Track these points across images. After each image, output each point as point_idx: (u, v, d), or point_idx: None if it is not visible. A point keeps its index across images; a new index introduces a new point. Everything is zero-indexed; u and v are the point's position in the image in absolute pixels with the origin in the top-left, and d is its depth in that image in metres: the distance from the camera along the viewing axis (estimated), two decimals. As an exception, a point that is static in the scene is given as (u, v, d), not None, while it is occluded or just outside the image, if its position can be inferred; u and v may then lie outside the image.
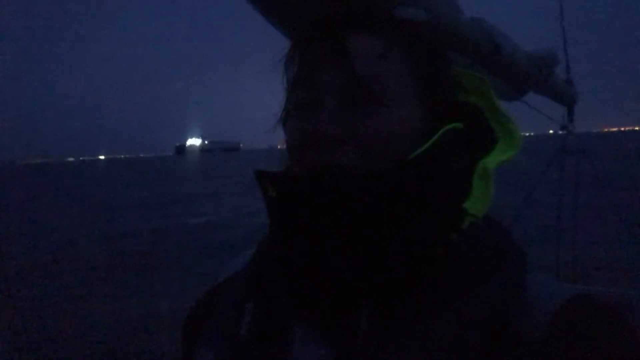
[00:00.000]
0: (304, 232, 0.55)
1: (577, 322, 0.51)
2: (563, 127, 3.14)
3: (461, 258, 0.55)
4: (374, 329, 0.54)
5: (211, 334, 0.66)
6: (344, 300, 0.56)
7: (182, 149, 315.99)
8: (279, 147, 0.65)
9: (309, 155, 0.57)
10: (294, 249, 0.57)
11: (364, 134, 0.55)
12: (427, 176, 0.55)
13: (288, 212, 0.56)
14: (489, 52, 1.90)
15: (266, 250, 0.66)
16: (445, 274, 0.54)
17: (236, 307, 0.64)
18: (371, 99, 0.56)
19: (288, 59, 0.64)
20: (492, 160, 0.61)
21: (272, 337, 0.58)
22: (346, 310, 0.56)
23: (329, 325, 0.56)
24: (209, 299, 0.73)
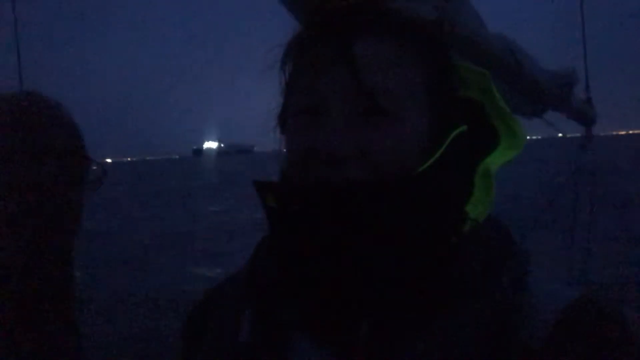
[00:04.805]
0: (308, 242, 0.54)
1: (579, 328, 0.51)
2: (582, 146, 3.16)
3: (462, 262, 0.54)
4: (376, 336, 0.53)
5: (210, 339, 0.66)
6: (345, 308, 0.55)
7: (199, 152, 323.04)
8: (284, 150, 0.63)
9: (316, 170, 0.55)
10: (296, 259, 0.56)
11: (374, 150, 0.54)
12: (435, 186, 0.55)
13: (292, 223, 0.56)
14: (510, 68, 1.97)
15: (265, 256, 0.65)
16: (446, 278, 0.54)
17: (235, 313, 0.63)
18: (380, 111, 0.54)
19: (286, 56, 0.62)
20: (494, 161, 0.60)
21: (272, 344, 0.58)
22: (347, 317, 0.55)
23: (331, 333, 0.55)
24: (208, 303, 0.72)
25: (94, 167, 0.82)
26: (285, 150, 0.61)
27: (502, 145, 0.61)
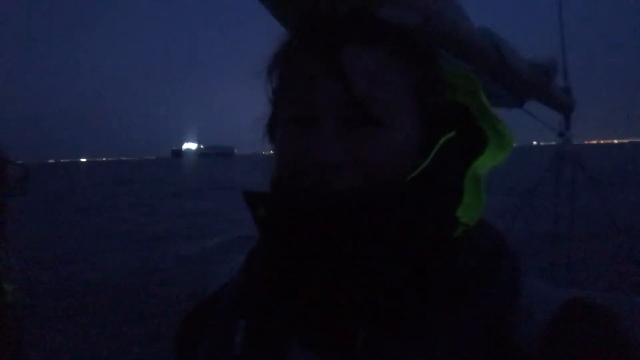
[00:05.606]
0: (301, 251, 0.54)
1: (572, 329, 0.52)
2: (560, 134, 3.22)
3: (454, 268, 0.55)
4: (371, 344, 0.54)
5: (203, 351, 0.65)
6: (340, 317, 0.55)
7: (178, 153, 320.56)
8: (263, 152, 0.64)
9: (307, 179, 0.55)
10: (290, 268, 0.56)
11: (364, 159, 0.54)
12: (425, 192, 0.55)
13: (283, 232, 0.56)
14: (494, 61, 1.98)
15: (257, 265, 0.65)
16: (439, 284, 0.54)
17: (228, 324, 0.63)
18: (371, 120, 0.55)
19: (274, 64, 0.62)
20: (482, 165, 0.60)
21: (267, 355, 0.58)
22: (343, 326, 0.55)
23: (326, 341, 0.55)
24: (200, 312, 0.71)
25: (15, 169, 0.80)
26: (275, 159, 0.61)
27: (489, 148, 0.62)
